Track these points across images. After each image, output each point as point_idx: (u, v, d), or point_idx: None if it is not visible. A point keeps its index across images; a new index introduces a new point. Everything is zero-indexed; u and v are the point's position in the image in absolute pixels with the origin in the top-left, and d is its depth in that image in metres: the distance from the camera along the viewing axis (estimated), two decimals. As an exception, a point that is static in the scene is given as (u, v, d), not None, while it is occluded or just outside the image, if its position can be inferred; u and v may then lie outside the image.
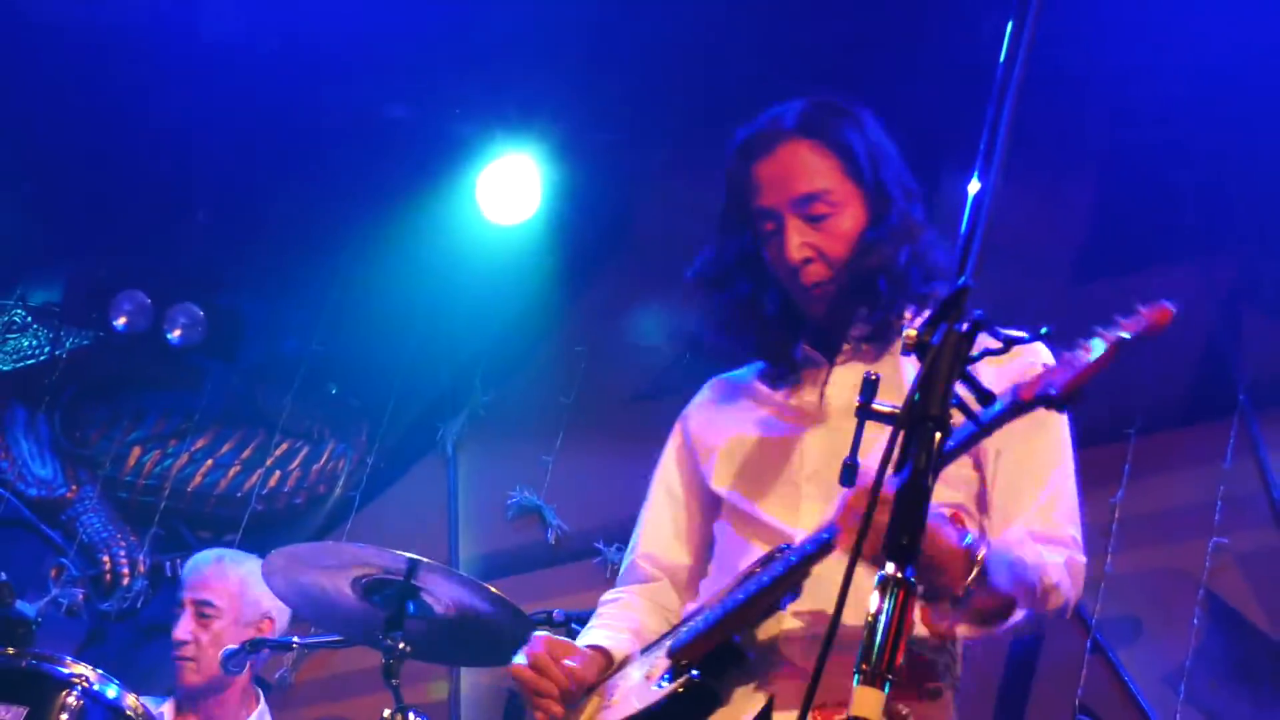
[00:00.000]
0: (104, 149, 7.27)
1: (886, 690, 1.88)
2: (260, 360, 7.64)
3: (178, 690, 5.44)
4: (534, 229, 7.12)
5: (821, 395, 3.20)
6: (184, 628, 5.39)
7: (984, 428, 2.47)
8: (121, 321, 7.49)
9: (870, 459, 2.97)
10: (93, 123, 7.15)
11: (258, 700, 5.55)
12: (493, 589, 4.35)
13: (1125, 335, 2.52)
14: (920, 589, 2.77)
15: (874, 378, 2.21)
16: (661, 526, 3.48)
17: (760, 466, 3.22)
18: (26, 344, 7.93)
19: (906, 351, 2.04)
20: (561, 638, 3.17)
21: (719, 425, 3.36)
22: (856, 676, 1.90)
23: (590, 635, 3.24)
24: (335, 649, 5.67)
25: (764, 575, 2.96)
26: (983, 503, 3.06)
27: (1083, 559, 2.99)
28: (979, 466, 3.04)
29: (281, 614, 5.48)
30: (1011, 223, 3.21)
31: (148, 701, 4.42)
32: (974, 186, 2.18)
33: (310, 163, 7.22)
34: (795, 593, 2.95)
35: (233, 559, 5.57)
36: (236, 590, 5.43)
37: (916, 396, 1.97)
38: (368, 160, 7.14)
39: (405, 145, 7.09)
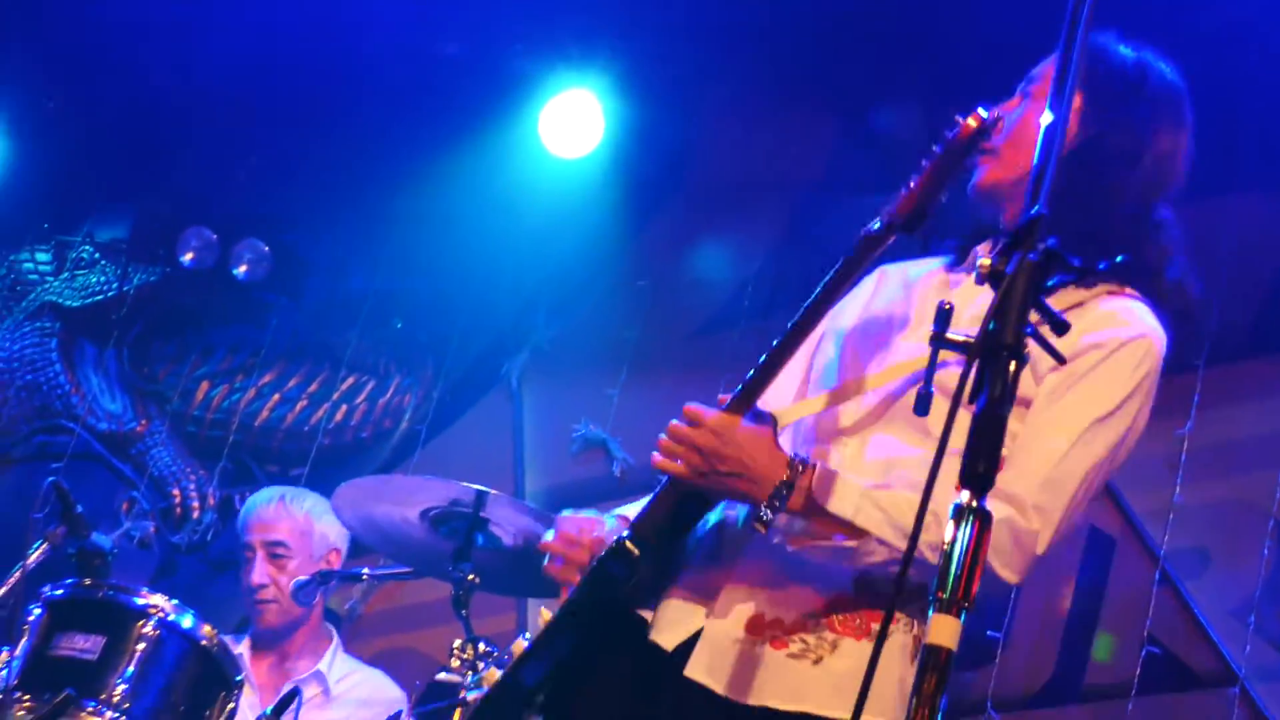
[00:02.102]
0: (170, 86, 7.30)
1: (963, 619, 1.89)
2: (326, 295, 7.67)
3: (258, 631, 5.48)
4: (597, 163, 7.11)
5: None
6: (260, 571, 5.40)
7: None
8: (188, 257, 7.53)
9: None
10: (159, 60, 7.18)
11: (330, 638, 5.60)
12: (560, 521, 4.37)
13: (936, 147, 2.77)
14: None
15: (947, 307, 2.20)
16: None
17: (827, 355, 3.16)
18: (95, 280, 7.99)
19: (980, 280, 2.04)
20: (589, 514, 3.17)
21: (846, 306, 3.24)
22: (932, 605, 1.91)
23: (627, 505, 3.22)
24: (404, 580, 5.71)
25: None
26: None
27: (1030, 528, 2.80)
28: (1029, 404, 2.90)
29: (345, 543, 5.53)
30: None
31: (227, 639, 4.47)
32: (1046, 118, 2.18)
33: (375, 99, 7.23)
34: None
35: (293, 497, 5.58)
36: (304, 527, 5.46)
37: (991, 325, 1.97)
38: (432, 96, 7.14)
39: (469, 81, 7.09)
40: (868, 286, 3.22)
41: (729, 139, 7.04)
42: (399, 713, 4.79)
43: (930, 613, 1.92)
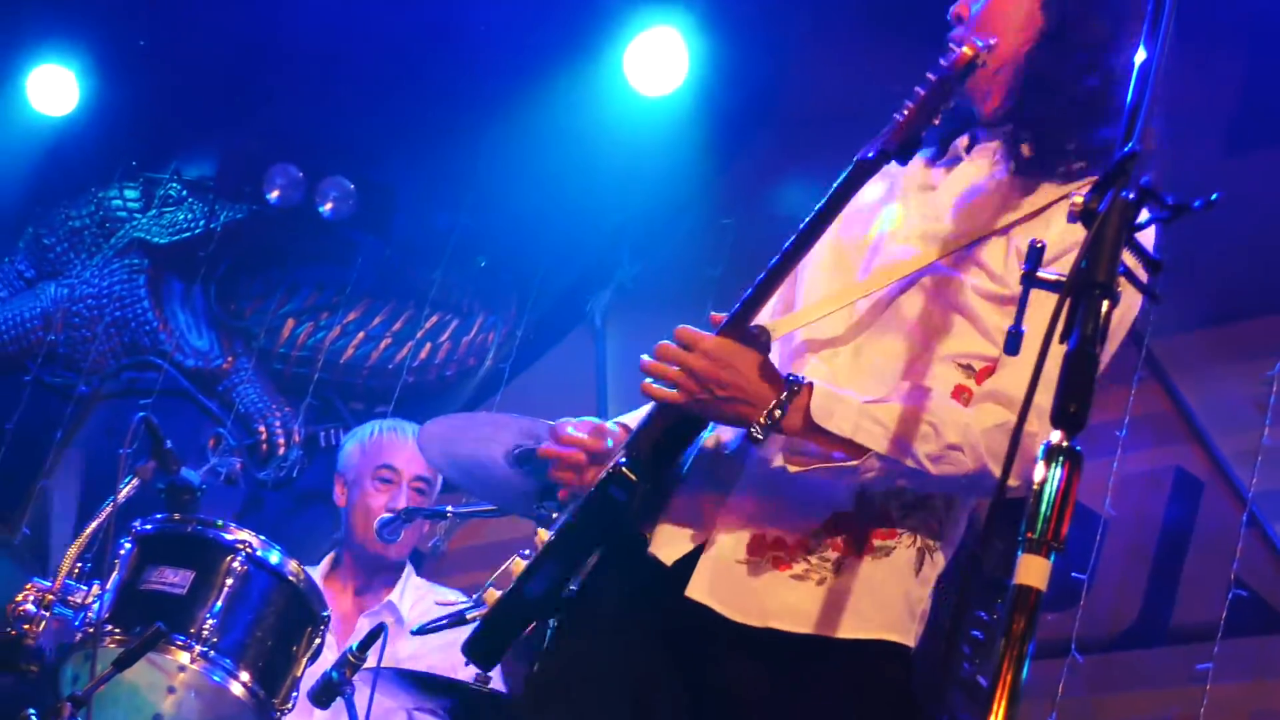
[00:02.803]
0: (257, 25, 7.32)
1: (1052, 559, 1.88)
2: (410, 233, 7.69)
3: (359, 556, 5.53)
4: (681, 100, 7.08)
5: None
6: (405, 500, 5.46)
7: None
8: (275, 195, 7.56)
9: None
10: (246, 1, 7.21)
11: (403, 567, 5.66)
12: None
13: (931, 75, 2.82)
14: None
15: (1040, 245, 2.17)
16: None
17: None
18: (182, 217, 8.04)
19: (1073, 218, 2.02)
20: (587, 418, 3.16)
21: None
22: (1021, 545, 1.90)
23: (628, 415, 3.20)
24: (487, 518, 5.74)
25: None
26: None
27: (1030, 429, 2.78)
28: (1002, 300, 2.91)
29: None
30: (1162, 94, 3.13)
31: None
32: (1140, 56, 2.15)
33: (459, 37, 7.22)
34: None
35: (413, 431, 5.64)
36: (433, 472, 5.52)
37: (1084, 264, 1.95)
38: (516, 33, 7.12)
39: (553, 17, 7.07)
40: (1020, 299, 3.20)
41: (815, 73, 6.99)
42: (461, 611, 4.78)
43: (1019, 553, 1.90)
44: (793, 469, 2.84)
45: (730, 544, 2.90)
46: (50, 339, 7.98)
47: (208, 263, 7.90)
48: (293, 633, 4.29)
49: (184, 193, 8.08)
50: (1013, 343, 2.25)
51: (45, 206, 8.28)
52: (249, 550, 4.21)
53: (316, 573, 5.43)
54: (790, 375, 2.81)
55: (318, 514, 5.87)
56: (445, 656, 5.26)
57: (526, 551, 3.16)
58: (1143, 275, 2.08)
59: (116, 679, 3.90)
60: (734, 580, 2.88)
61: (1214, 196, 2.12)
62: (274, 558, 4.27)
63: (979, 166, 3.07)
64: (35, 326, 8.04)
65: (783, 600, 2.86)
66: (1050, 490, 1.90)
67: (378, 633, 4.41)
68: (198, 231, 7.96)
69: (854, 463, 2.78)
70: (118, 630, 4.07)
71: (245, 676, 4.11)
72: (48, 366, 7.96)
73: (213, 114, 7.83)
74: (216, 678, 4.09)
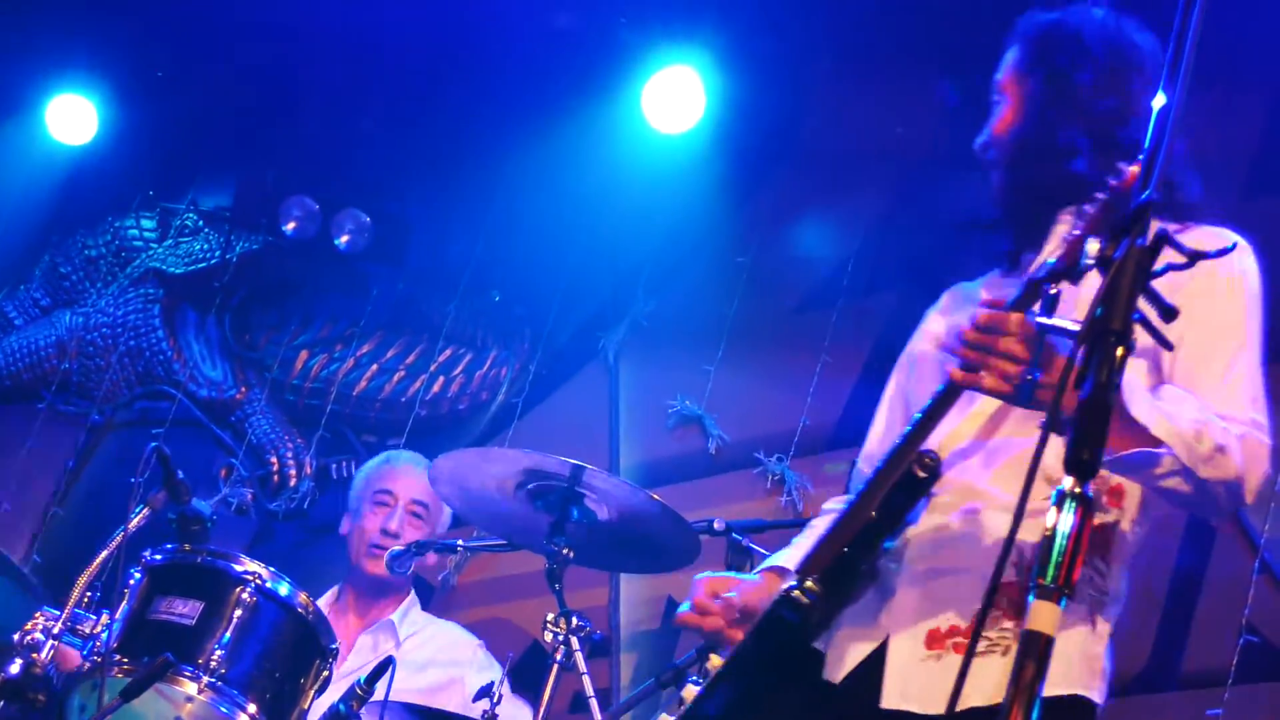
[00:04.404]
0: (275, 56, 7.35)
1: (1063, 605, 1.88)
2: (425, 267, 7.70)
3: (357, 580, 5.57)
4: (698, 138, 7.10)
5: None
6: (397, 520, 5.57)
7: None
8: (290, 227, 7.58)
9: None
10: (265, 30, 7.23)
11: (408, 592, 5.68)
12: (655, 496, 4.37)
13: (1100, 196, 2.71)
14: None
15: (1054, 291, 2.18)
16: (880, 429, 3.49)
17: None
18: (198, 247, 8.06)
19: (1089, 266, 2.02)
20: (721, 574, 3.25)
21: (926, 330, 3.36)
22: (1033, 592, 1.90)
23: (779, 554, 3.28)
24: (498, 553, 5.74)
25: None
26: (1162, 376, 3.02)
27: (1265, 440, 2.90)
28: (1155, 352, 2.97)
29: (445, 511, 5.63)
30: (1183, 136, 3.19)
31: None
32: (1159, 101, 2.15)
33: (477, 70, 7.25)
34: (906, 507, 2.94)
35: (419, 460, 5.75)
36: (437, 501, 5.56)
37: (1099, 311, 1.95)
38: (534, 68, 7.15)
39: (571, 54, 7.09)
40: (941, 307, 3.29)
41: (831, 114, 7.01)
42: (490, 684, 4.80)
43: (1030, 599, 1.90)
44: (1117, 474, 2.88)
45: (908, 645, 2.97)
46: (64, 367, 7.99)
47: (223, 293, 7.92)
48: (301, 665, 4.28)
49: (200, 223, 8.11)
50: (1026, 389, 2.25)
51: (62, 235, 8.30)
52: (259, 582, 4.20)
53: (322, 603, 5.44)
54: None
55: (329, 546, 5.86)
56: (449, 695, 5.28)
57: (697, 679, 3.20)
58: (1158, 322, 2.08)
59: (124, 709, 3.89)
60: (924, 677, 2.94)
61: (1231, 246, 2.12)
62: (284, 589, 4.26)
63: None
64: (50, 354, 8.06)
65: (974, 680, 2.88)
66: (1062, 536, 1.90)
67: (385, 666, 4.40)
68: (213, 262, 7.97)
69: (1160, 451, 2.77)
70: (126, 660, 4.06)
71: (252, 708, 4.10)
72: (61, 394, 7.97)
73: (230, 145, 7.86)
74: (224, 709, 4.08)
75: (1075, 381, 1.95)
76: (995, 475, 3.00)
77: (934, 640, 2.96)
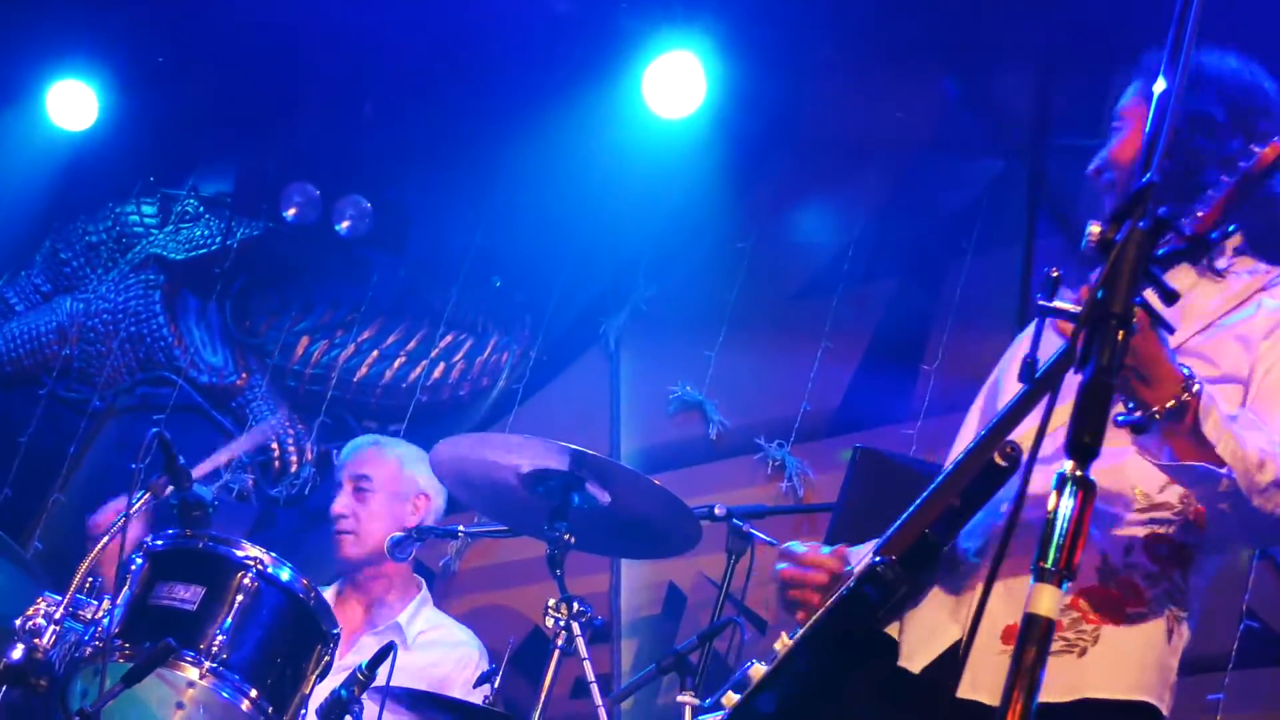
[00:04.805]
0: (276, 43, 7.34)
1: (1064, 589, 1.88)
2: (426, 253, 7.70)
3: (339, 565, 5.58)
4: (699, 124, 7.09)
5: None
6: (341, 502, 5.59)
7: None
8: (291, 213, 7.58)
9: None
10: (265, 17, 7.22)
11: (419, 587, 5.66)
12: (656, 482, 4.37)
13: (1228, 179, 2.70)
14: (1131, 410, 2.77)
15: (1054, 274, 2.18)
16: (970, 427, 3.53)
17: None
18: (199, 234, 8.06)
19: (1090, 249, 2.02)
20: (811, 543, 3.27)
21: (1017, 352, 3.41)
22: (1033, 575, 1.90)
23: (860, 547, 3.30)
24: (499, 538, 5.74)
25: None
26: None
27: None
28: (1246, 383, 3.04)
29: (436, 494, 5.61)
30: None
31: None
32: (1159, 86, 2.15)
33: (477, 56, 7.24)
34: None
35: (388, 442, 5.79)
36: (393, 468, 5.59)
37: (1100, 294, 1.95)
38: (535, 54, 7.14)
39: (572, 40, 7.09)
40: (1034, 330, 3.31)
41: (832, 100, 7.00)
42: (493, 669, 4.80)
43: (1031, 582, 1.90)
44: (1160, 463, 2.86)
45: (985, 638, 3.00)
46: (65, 353, 7.99)
47: (223, 279, 7.92)
48: (302, 650, 4.28)
49: (201, 209, 8.10)
50: (1026, 371, 2.25)
51: (63, 221, 8.30)
52: (260, 567, 4.20)
53: (328, 593, 5.44)
54: (1186, 367, 2.78)
55: (329, 532, 5.86)
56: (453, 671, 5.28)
57: (760, 662, 3.20)
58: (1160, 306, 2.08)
59: (125, 694, 3.89)
60: (998, 670, 2.92)
61: (1230, 229, 2.12)
62: (285, 575, 4.26)
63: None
64: (50, 340, 8.06)
65: (1048, 678, 2.90)
66: (1062, 520, 1.90)
67: (386, 652, 4.41)
68: (214, 248, 7.97)
69: (1221, 470, 2.80)
70: (127, 645, 4.06)
71: (254, 693, 4.10)
72: (62, 380, 7.97)
73: (231, 131, 7.86)
74: (225, 694, 4.08)
75: (1076, 365, 1.94)
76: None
77: (1009, 636, 2.99)
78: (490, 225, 7.55)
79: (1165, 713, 3.04)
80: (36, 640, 4.07)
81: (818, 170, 7.00)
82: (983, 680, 2.97)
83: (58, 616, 4.10)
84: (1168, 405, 2.75)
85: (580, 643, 4.23)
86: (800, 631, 3.10)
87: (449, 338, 7.61)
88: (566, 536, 4.36)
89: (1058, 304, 2.10)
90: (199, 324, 7.94)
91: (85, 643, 4.14)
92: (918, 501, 2.99)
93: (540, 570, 4.44)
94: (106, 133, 7.88)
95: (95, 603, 4.22)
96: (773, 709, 3.08)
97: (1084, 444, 1.91)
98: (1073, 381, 3.02)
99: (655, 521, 4.45)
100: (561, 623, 4.21)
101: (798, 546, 3.23)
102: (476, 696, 4.73)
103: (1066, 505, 1.91)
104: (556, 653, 4.18)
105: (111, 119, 7.84)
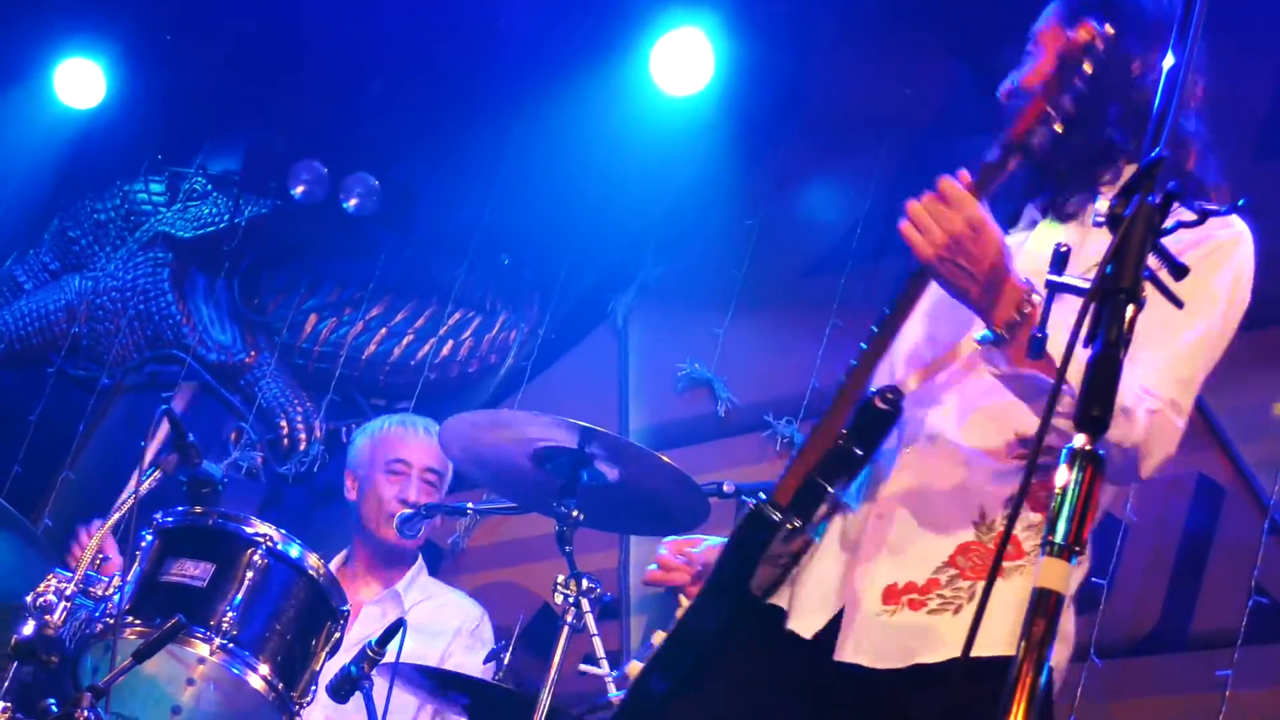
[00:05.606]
0: (283, 20, 7.34)
1: (1074, 563, 1.88)
2: (434, 230, 7.70)
3: (372, 546, 5.59)
4: (706, 100, 7.08)
5: None
6: (415, 491, 5.57)
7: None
8: (299, 190, 7.57)
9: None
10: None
11: (414, 562, 5.69)
12: (665, 459, 4.38)
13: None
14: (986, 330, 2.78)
15: (1064, 249, 2.18)
16: None
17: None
18: (207, 211, 8.06)
19: (1099, 224, 2.02)
20: (686, 536, 3.31)
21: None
22: (1043, 549, 1.90)
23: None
24: (508, 515, 5.75)
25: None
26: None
27: (1177, 422, 2.85)
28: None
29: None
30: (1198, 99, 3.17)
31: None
32: (1169, 61, 2.15)
33: (484, 33, 7.23)
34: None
35: (434, 428, 5.71)
36: (447, 465, 5.60)
37: (1109, 269, 1.95)
38: (542, 31, 7.13)
39: (579, 16, 7.08)
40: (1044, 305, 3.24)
41: (841, 76, 6.99)
42: (500, 646, 4.81)
43: (1040, 556, 1.90)
44: (998, 372, 2.83)
45: (866, 600, 2.97)
46: (74, 331, 8.00)
47: (231, 257, 7.93)
48: (312, 626, 4.29)
49: (209, 187, 8.10)
50: (1035, 346, 2.26)
51: (71, 199, 8.30)
52: (270, 544, 4.22)
53: (331, 566, 5.45)
54: (1029, 281, 2.80)
55: (338, 509, 5.88)
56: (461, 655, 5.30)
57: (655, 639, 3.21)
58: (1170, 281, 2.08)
59: (136, 670, 3.91)
60: (877, 632, 2.95)
61: (1240, 202, 2.12)
62: (294, 551, 4.28)
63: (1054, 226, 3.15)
64: (59, 319, 8.07)
65: (924, 635, 2.92)
66: (1072, 494, 1.90)
67: (396, 628, 4.42)
68: (222, 226, 7.97)
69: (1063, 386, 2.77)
70: (138, 622, 4.08)
71: (264, 669, 4.12)
72: (71, 359, 7.99)
73: (238, 109, 7.86)
74: (236, 670, 4.10)
75: (1085, 339, 1.94)
76: (967, 429, 3.00)
77: (889, 596, 2.96)
78: (498, 203, 7.54)
79: (1059, 664, 2.97)
80: (47, 617, 4.08)
81: (826, 147, 6.99)
82: (864, 643, 2.95)
83: (69, 593, 4.11)
84: (1010, 313, 2.76)
85: (589, 619, 4.24)
86: (701, 589, 3.10)
87: (457, 315, 7.62)
88: (575, 513, 4.36)
89: (1067, 278, 2.10)
90: (207, 302, 7.95)
91: (96, 619, 4.16)
92: (803, 441, 2.99)
93: (549, 547, 4.45)
94: (114, 111, 7.88)
95: (105, 579, 4.23)
96: (671, 681, 3.08)
97: (1092, 417, 1.91)
98: (917, 314, 3.05)
99: (664, 498, 4.45)
100: (571, 599, 4.22)
101: (667, 542, 3.29)
102: (480, 660, 4.75)
103: (1077, 479, 1.91)
104: (566, 629, 4.18)
105: (119, 97, 7.84)
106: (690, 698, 3.08)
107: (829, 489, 2.97)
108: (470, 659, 5.31)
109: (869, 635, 2.94)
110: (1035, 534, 2.94)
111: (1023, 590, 2.85)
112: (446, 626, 5.50)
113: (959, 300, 2.86)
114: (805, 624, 3.03)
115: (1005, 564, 2.93)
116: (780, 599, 3.09)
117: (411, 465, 5.62)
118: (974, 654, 2.82)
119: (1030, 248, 3.11)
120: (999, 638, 2.85)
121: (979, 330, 2.85)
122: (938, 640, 2.91)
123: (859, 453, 2.95)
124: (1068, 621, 3.00)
